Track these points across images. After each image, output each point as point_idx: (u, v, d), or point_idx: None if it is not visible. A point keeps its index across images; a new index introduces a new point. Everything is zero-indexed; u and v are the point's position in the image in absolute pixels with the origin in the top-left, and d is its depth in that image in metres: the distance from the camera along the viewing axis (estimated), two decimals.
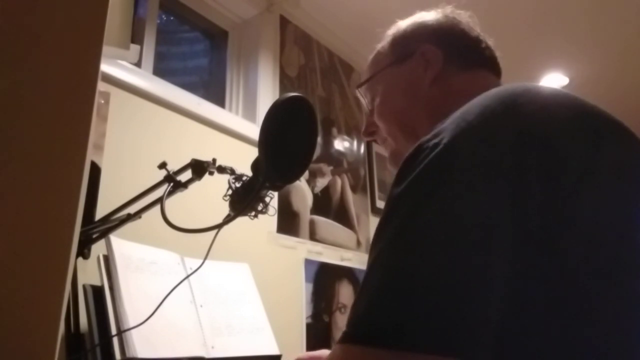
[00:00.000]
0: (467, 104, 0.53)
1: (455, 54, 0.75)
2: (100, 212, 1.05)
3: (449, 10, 0.81)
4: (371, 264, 0.46)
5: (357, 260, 2.05)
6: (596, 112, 0.55)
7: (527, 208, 0.44)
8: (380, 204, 2.29)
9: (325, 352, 0.92)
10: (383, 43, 0.83)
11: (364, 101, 0.87)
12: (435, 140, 0.48)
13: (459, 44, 0.76)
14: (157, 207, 0.79)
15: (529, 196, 0.45)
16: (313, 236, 1.88)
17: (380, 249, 0.46)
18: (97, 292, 0.92)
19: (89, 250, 0.99)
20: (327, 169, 2.05)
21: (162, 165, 0.84)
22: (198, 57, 1.97)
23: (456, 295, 0.41)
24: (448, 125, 0.50)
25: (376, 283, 0.44)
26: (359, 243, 2.12)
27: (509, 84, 0.59)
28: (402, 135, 0.78)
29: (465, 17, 0.80)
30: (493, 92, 0.54)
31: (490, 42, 0.79)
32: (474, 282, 0.42)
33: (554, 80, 2.62)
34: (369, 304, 0.44)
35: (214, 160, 0.86)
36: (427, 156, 0.47)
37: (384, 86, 0.81)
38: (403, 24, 0.82)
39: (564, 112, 0.52)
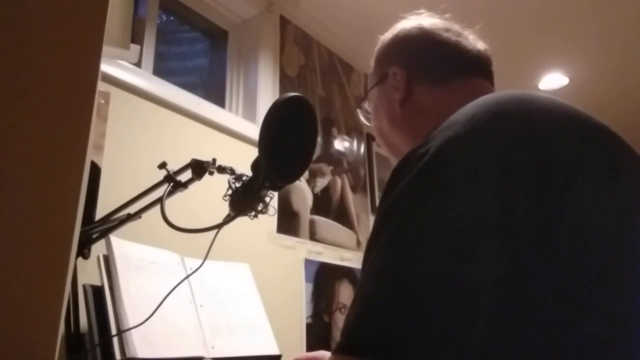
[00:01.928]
0: (455, 113, 0.53)
1: (422, 70, 0.75)
2: (100, 212, 1.05)
3: (424, 17, 0.80)
4: (364, 274, 0.46)
5: (357, 260, 2.05)
6: (585, 117, 0.56)
7: (516, 212, 0.44)
8: None
9: (323, 353, 0.92)
10: (372, 62, 0.84)
11: (364, 120, 0.90)
12: (422, 150, 0.48)
13: (426, 58, 0.75)
14: (157, 207, 0.78)
15: (518, 200, 0.45)
16: (313, 236, 1.88)
17: (372, 260, 0.46)
18: (97, 292, 0.92)
19: (89, 250, 0.99)
20: (327, 169, 2.05)
21: (162, 165, 0.84)
22: (198, 57, 1.97)
23: (445, 307, 0.41)
24: (436, 134, 0.50)
25: (367, 294, 0.45)
26: (359, 243, 2.12)
27: (496, 92, 0.59)
28: (390, 152, 0.81)
29: (438, 23, 0.78)
30: (480, 100, 0.54)
31: (472, 37, 0.77)
32: (463, 294, 0.42)
33: (554, 80, 2.61)
34: (360, 314, 0.44)
35: (214, 160, 0.86)
36: (415, 165, 0.48)
37: (372, 106, 0.83)
38: (383, 39, 0.83)
39: (553, 116, 0.53)
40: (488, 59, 0.77)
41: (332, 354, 0.45)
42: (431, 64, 0.75)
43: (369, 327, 0.42)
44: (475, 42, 0.77)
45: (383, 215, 0.48)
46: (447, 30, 0.77)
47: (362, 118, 0.90)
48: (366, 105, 0.87)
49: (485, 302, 0.42)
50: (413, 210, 0.45)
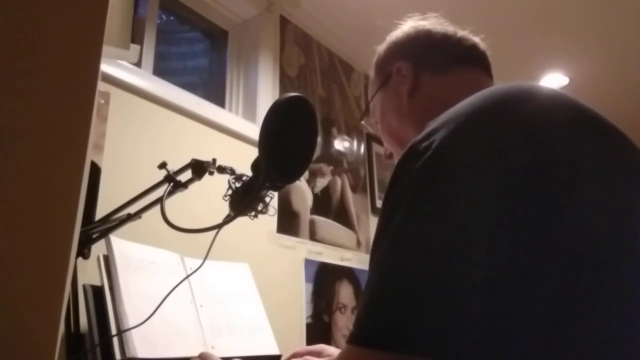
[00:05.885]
0: (458, 104, 0.53)
1: (425, 60, 0.78)
2: (100, 212, 1.05)
3: (416, 19, 0.84)
4: (372, 267, 0.48)
5: (357, 260, 2.05)
6: (590, 113, 0.55)
7: (517, 210, 0.45)
8: (380, 204, 2.29)
9: (323, 347, 0.93)
10: (372, 73, 0.87)
11: (371, 130, 0.91)
12: (426, 144, 0.49)
13: (428, 49, 0.79)
14: (157, 207, 0.79)
15: (519, 198, 0.45)
16: (313, 236, 1.88)
17: (379, 255, 0.47)
18: (97, 292, 0.92)
19: (89, 250, 0.99)
20: (327, 169, 2.05)
21: (162, 165, 0.84)
22: (198, 57, 1.97)
23: (449, 300, 0.42)
24: (439, 126, 0.50)
25: (376, 287, 0.46)
26: (359, 243, 2.12)
27: (501, 84, 0.59)
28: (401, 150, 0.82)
29: (432, 21, 0.82)
30: (485, 92, 0.54)
31: (463, 32, 0.80)
32: (461, 290, 0.42)
33: (554, 80, 2.62)
34: (370, 307, 0.45)
35: (214, 160, 0.86)
36: (418, 160, 0.48)
37: (379, 111, 0.85)
38: (380, 48, 0.86)
39: (557, 111, 0.52)
40: (484, 51, 0.80)
41: (346, 343, 0.47)
42: (432, 53, 0.78)
43: (379, 321, 0.44)
44: (469, 35, 0.80)
45: (389, 210, 0.49)
46: (442, 24, 0.81)
47: (368, 127, 0.92)
48: (370, 114, 0.89)
49: (480, 298, 0.43)
50: (417, 206, 0.46)
